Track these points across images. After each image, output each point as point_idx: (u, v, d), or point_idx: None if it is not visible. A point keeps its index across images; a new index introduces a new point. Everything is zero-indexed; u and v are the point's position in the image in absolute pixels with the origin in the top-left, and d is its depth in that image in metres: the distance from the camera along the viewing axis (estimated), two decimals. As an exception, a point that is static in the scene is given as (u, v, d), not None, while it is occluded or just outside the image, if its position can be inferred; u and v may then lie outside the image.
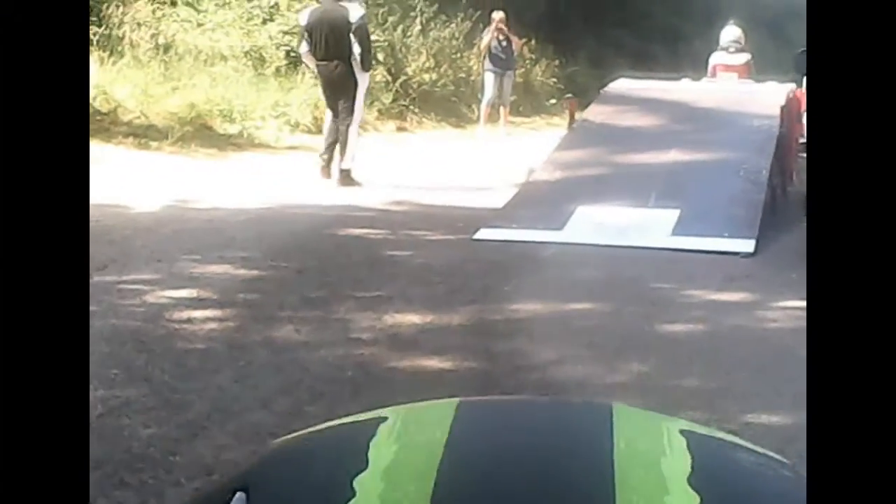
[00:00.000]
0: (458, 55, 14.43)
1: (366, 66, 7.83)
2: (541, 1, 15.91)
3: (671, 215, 5.43)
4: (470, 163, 9.76)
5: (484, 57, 12.90)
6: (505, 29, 12.69)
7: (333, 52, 7.62)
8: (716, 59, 10.45)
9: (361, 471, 0.70)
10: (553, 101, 15.22)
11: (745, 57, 10.31)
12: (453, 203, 6.95)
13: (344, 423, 0.85)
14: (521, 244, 5.49)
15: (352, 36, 7.58)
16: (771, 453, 0.86)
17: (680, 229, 5.29)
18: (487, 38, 12.65)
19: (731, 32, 10.38)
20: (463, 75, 14.22)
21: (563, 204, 5.86)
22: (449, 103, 13.55)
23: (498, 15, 12.65)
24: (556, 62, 15.91)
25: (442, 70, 13.76)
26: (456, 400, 0.81)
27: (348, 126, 7.69)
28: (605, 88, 8.27)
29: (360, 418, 0.85)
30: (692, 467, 0.72)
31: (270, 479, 0.75)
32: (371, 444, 0.74)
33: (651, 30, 19.42)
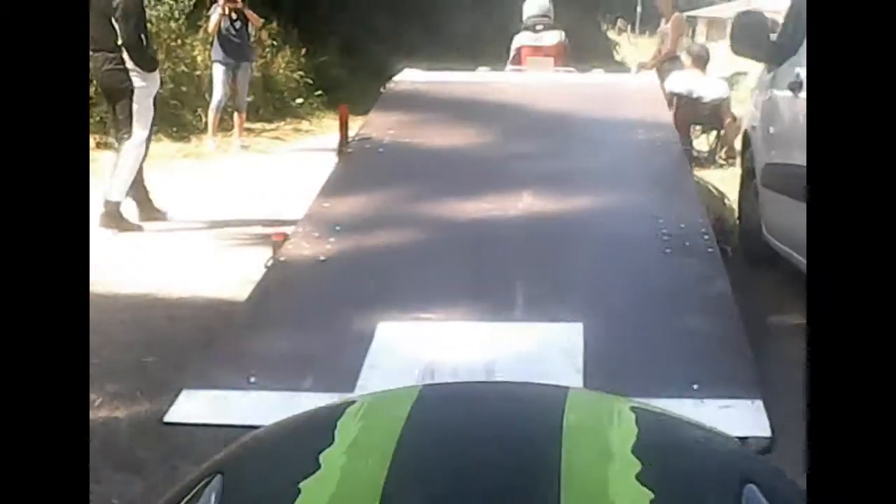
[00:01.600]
0: (178, 42, 11.03)
1: (142, 62, 5.79)
2: (279, -28, 12.74)
3: (566, 339, 2.63)
4: (196, 199, 6.85)
5: (212, 44, 9.65)
6: (239, 4, 9.48)
7: (98, 42, 5.58)
8: (520, 39, 7.81)
9: (328, 446, 0.73)
10: (300, 100, 12.16)
11: (556, 35, 7.78)
12: (142, 290, 4.15)
13: (317, 408, 0.87)
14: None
15: (114, 19, 5.63)
16: (720, 430, 0.87)
17: (601, 373, 2.45)
18: (216, 17, 9.38)
19: (535, 4, 7.77)
20: (185, 69, 10.82)
21: (343, 317, 2.82)
22: (167, 108, 10.06)
23: (228, -17, 9.46)
24: (303, 50, 12.84)
25: (155, 63, 10.28)
26: (419, 385, 0.86)
27: (125, 146, 5.88)
28: (388, 86, 5.35)
29: (333, 402, 0.88)
30: (637, 437, 0.72)
31: (245, 460, 0.79)
32: (339, 423, 0.76)
33: (416, 9, 16.80)
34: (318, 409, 0.88)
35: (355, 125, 4.54)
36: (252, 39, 10.07)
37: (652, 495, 0.65)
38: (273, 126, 10.98)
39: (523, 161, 4.09)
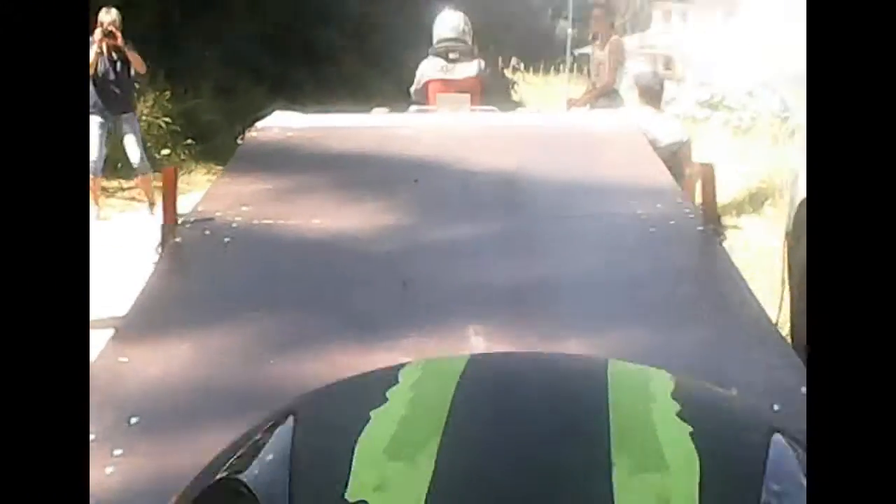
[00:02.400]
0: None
1: None
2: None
3: None
4: None
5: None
6: (119, 41, 7.64)
7: None
8: (427, 70, 6.19)
9: (393, 385, 0.74)
10: (166, 151, 10.33)
11: (474, 66, 6.18)
12: None
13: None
14: None
15: None
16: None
17: None
18: (91, 58, 7.48)
19: (447, 23, 6.16)
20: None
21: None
22: None
23: (108, 16, 7.56)
24: (169, 92, 11.00)
25: None
26: (467, 354, 0.83)
27: None
28: (248, 135, 3.64)
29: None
30: (675, 385, 0.74)
31: (314, 403, 0.80)
32: (401, 371, 0.77)
33: (301, 45, 15.16)
34: (375, 370, 0.85)
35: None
36: (136, 87, 8.42)
37: (691, 429, 0.67)
38: (131, 184, 9.09)
39: (456, 270, 2.45)
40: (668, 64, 9.91)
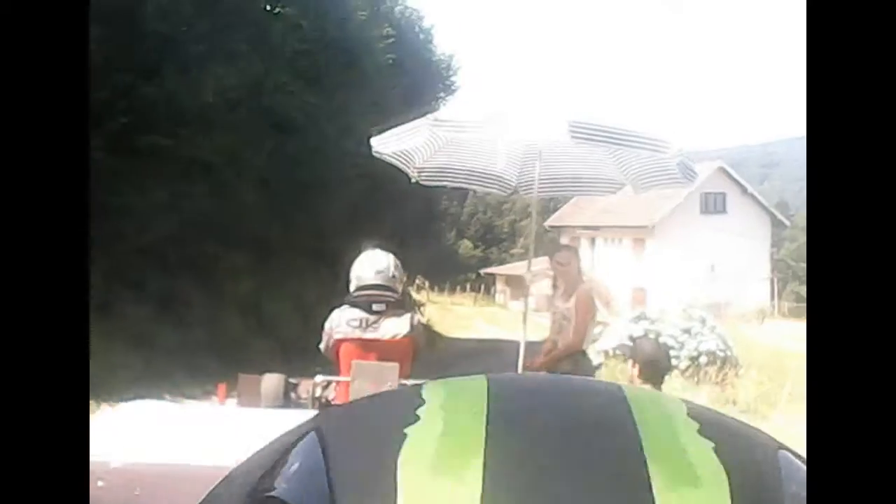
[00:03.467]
0: None
1: None
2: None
3: None
4: None
5: None
6: None
7: None
8: (341, 325, 4.54)
9: (423, 405, 0.73)
10: None
11: (405, 321, 4.50)
12: None
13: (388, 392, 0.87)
14: None
15: None
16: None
17: None
18: None
19: (373, 264, 4.57)
20: None
21: None
22: None
23: None
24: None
25: None
26: (482, 375, 0.82)
27: None
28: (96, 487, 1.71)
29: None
30: (687, 407, 0.77)
31: (339, 420, 0.78)
32: (423, 389, 0.77)
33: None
34: (390, 392, 0.87)
35: None
36: None
37: (713, 445, 0.70)
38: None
39: None
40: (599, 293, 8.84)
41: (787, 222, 51.60)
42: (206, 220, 14.46)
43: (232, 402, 4.73)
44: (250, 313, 16.41)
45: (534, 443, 0.68)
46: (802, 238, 63.78)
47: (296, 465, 0.71)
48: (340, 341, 4.45)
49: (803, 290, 52.49)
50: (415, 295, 34.37)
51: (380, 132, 5.39)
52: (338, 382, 4.38)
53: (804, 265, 59.56)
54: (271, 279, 17.35)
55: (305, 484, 0.68)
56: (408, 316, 4.49)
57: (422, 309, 30.20)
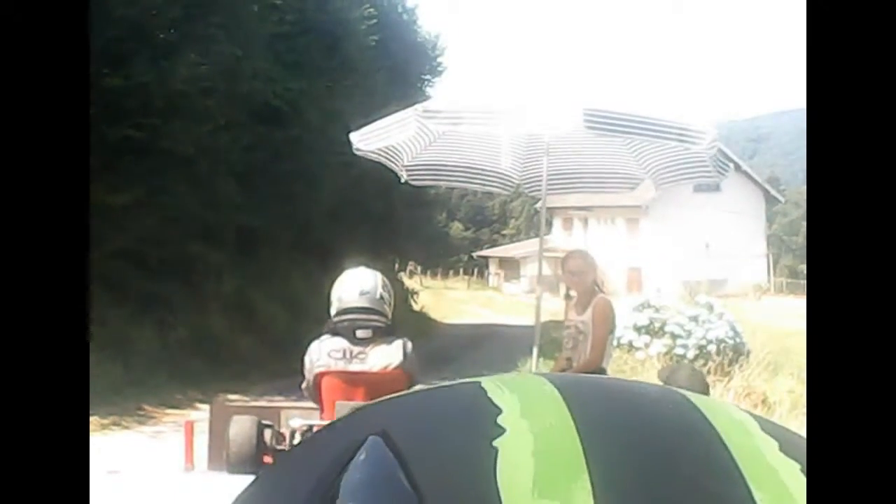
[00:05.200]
0: None
1: None
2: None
3: None
4: None
5: None
6: None
7: None
8: (321, 357, 3.93)
9: (500, 413, 0.68)
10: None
11: (396, 350, 3.83)
12: None
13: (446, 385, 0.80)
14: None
15: None
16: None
17: None
18: None
19: (357, 284, 3.91)
20: None
21: None
22: None
23: None
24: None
25: None
26: (531, 374, 0.79)
27: None
28: None
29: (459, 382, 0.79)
30: (755, 419, 0.74)
31: (409, 422, 0.71)
32: (489, 395, 0.71)
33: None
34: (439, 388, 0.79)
35: None
36: None
37: (799, 465, 0.67)
38: None
39: None
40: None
41: (780, 198, 51.04)
42: (185, 216, 13.77)
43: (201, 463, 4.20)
44: (235, 312, 15.73)
45: (634, 456, 0.65)
46: (794, 213, 63.48)
47: (365, 474, 0.65)
48: (322, 375, 3.78)
49: (796, 264, 52.17)
50: (407, 281, 33.71)
51: (359, 127, 4.70)
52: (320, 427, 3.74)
53: (797, 239, 59.31)
54: (255, 275, 16.68)
55: (383, 496, 0.63)
56: (399, 343, 3.82)
57: (415, 297, 29.52)
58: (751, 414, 0.75)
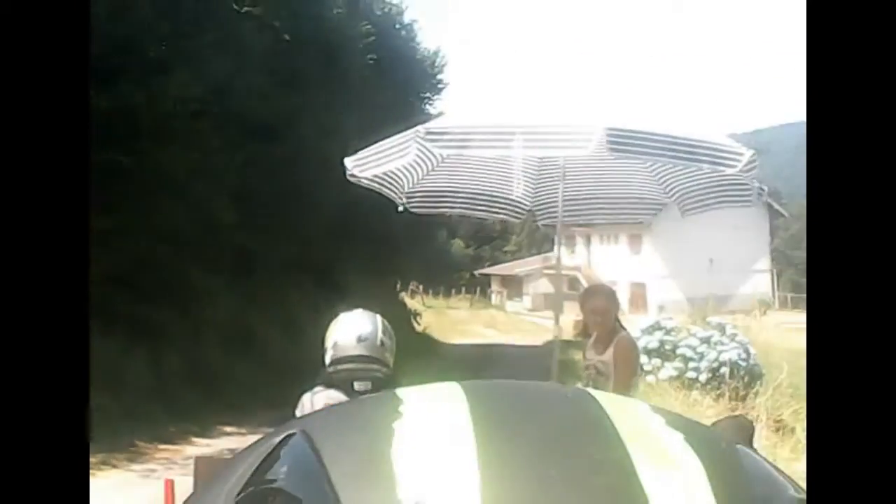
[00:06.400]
0: None
1: None
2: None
3: None
4: None
5: None
6: None
7: None
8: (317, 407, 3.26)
9: (400, 404, 0.80)
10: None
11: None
12: None
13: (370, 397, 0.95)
14: None
15: None
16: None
17: None
18: None
19: (355, 330, 3.40)
20: None
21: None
22: None
23: None
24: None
25: None
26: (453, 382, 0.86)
27: None
28: None
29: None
30: (654, 411, 0.83)
31: (322, 420, 0.84)
32: (400, 396, 0.83)
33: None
34: (364, 398, 0.94)
35: None
36: None
37: (683, 436, 0.75)
38: None
39: None
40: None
41: (784, 212, 50.58)
42: (179, 239, 13.33)
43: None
44: (232, 338, 15.24)
45: (519, 426, 0.74)
46: (796, 226, 62.95)
47: (288, 463, 0.75)
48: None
49: (798, 278, 51.59)
50: (409, 301, 33.19)
51: (355, 151, 4.26)
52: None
53: (800, 254, 58.75)
54: (253, 299, 16.20)
55: (302, 477, 0.73)
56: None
57: (418, 318, 29.03)
58: (642, 402, 0.86)
